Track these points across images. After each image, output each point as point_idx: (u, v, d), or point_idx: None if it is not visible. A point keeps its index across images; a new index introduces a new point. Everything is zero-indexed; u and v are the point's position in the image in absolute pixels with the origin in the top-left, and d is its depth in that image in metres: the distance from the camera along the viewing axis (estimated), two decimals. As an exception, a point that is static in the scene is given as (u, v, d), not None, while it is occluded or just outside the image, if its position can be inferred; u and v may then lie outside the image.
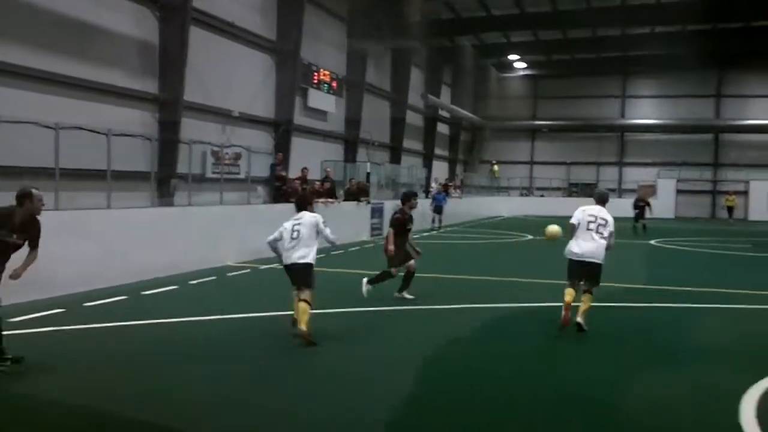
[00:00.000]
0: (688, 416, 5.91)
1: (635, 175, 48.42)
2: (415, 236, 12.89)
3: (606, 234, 8.81)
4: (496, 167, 48.71)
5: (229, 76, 21.32)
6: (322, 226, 8.38)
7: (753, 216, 44.12)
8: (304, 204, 8.78)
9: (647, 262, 18.51)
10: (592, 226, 8.85)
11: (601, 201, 9.25)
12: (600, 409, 6.01)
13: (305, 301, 7.98)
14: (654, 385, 6.76)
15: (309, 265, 8.18)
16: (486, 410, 5.91)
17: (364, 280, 10.80)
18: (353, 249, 19.09)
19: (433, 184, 32.81)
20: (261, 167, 19.65)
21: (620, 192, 49.49)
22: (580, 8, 34.72)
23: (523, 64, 47.41)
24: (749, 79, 46.70)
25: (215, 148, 18.88)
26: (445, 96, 43.04)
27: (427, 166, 39.26)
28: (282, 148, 22.79)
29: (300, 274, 8.15)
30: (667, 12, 34.14)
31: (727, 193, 43.91)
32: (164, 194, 16.89)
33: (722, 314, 10.78)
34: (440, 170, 42.76)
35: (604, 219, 8.93)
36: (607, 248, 8.81)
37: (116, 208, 12.50)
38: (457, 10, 35.70)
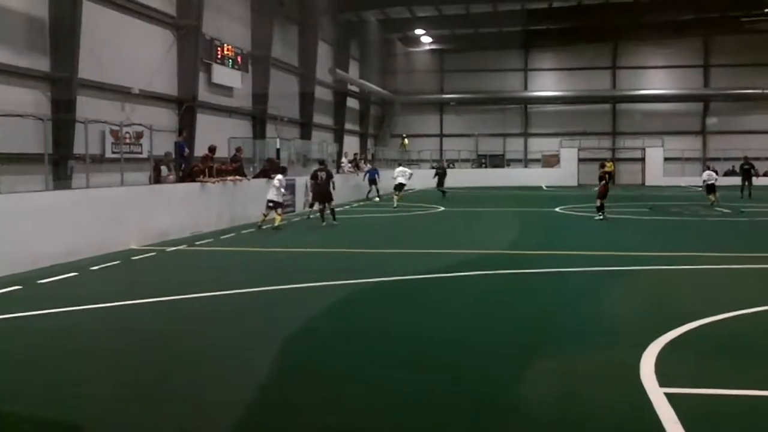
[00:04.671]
0: (592, 376, 6.10)
1: (539, 146, 49.92)
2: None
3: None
4: (406, 140, 49.03)
5: (128, 52, 20.45)
6: None
7: (649, 181, 46.24)
8: None
9: (551, 228, 19.08)
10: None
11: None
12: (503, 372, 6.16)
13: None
14: (560, 346, 7.00)
15: None
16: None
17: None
18: (265, 227, 18.81)
19: (343, 159, 32.71)
20: (166, 146, 19.02)
21: (526, 162, 51.00)
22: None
23: (429, 39, 47.67)
24: (641, 51, 48.83)
25: (114, 127, 18.11)
26: (353, 71, 42.84)
27: (339, 141, 39.07)
28: (187, 125, 22.15)
29: None
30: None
31: (604, 160, 46.09)
32: (61, 176, 16.12)
33: (629, 275, 11.21)
34: (352, 145, 42.59)
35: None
36: None
37: (8, 193, 11.82)
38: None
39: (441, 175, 32.73)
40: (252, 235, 17.18)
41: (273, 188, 18.42)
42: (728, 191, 29.92)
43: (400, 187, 27.68)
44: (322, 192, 19.03)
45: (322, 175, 19.09)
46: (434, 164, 38.35)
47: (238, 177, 19.82)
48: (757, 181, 31.88)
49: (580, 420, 5.07)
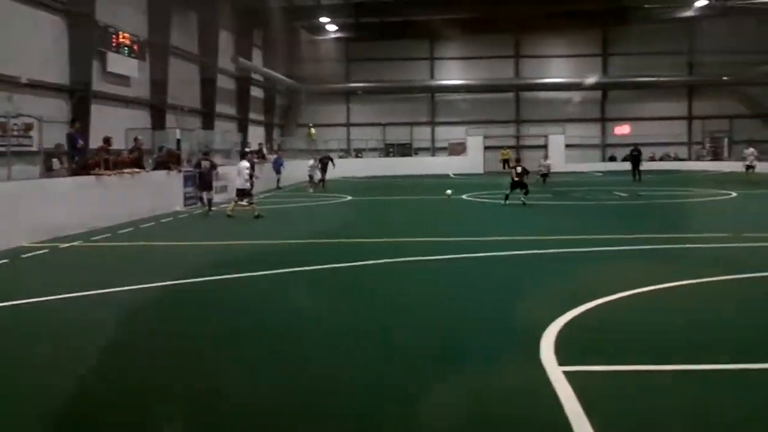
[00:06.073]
0: (492, 358, 6.15)
1: (446, 134, 50.59)
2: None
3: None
4: (313, 130, 48.62)
5: (13, 40, 19.34)
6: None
7: (552, 168, 47.51)
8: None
9: (455, 215, 19.31)
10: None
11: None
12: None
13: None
14: (459, 330, 7.03)
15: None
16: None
17: None
18: (166, 220, 18.22)
19: (247, 149, 32.11)
20: (58, 138, 18.07)
21: (433, 150, 51.56)
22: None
23: (334, 27, 47.38)
24: (543, 40, 50.20)
25: (1, 119, 17.05)
26: (257, 59, 42.05)
27: (243, 131, 38.30)
28: (81, 116, 21.13)
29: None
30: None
31: (502, 147, 47.60)
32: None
33: (531, 260, 11.42)
34: (257, 135, 41.84)
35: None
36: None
37: None
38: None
39: (324, 164, 33.47)
40: (151, 229, 16.55)
41: (239, 177, 18.70)
42: (623, 176, 31.11)
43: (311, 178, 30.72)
44: (205, 181, 20.09)
45: (206, 164, 20.18)
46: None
47: (136, 169, 19.10)
48: (647, 165, 34.51)
49: (480, 398, 5.11)
